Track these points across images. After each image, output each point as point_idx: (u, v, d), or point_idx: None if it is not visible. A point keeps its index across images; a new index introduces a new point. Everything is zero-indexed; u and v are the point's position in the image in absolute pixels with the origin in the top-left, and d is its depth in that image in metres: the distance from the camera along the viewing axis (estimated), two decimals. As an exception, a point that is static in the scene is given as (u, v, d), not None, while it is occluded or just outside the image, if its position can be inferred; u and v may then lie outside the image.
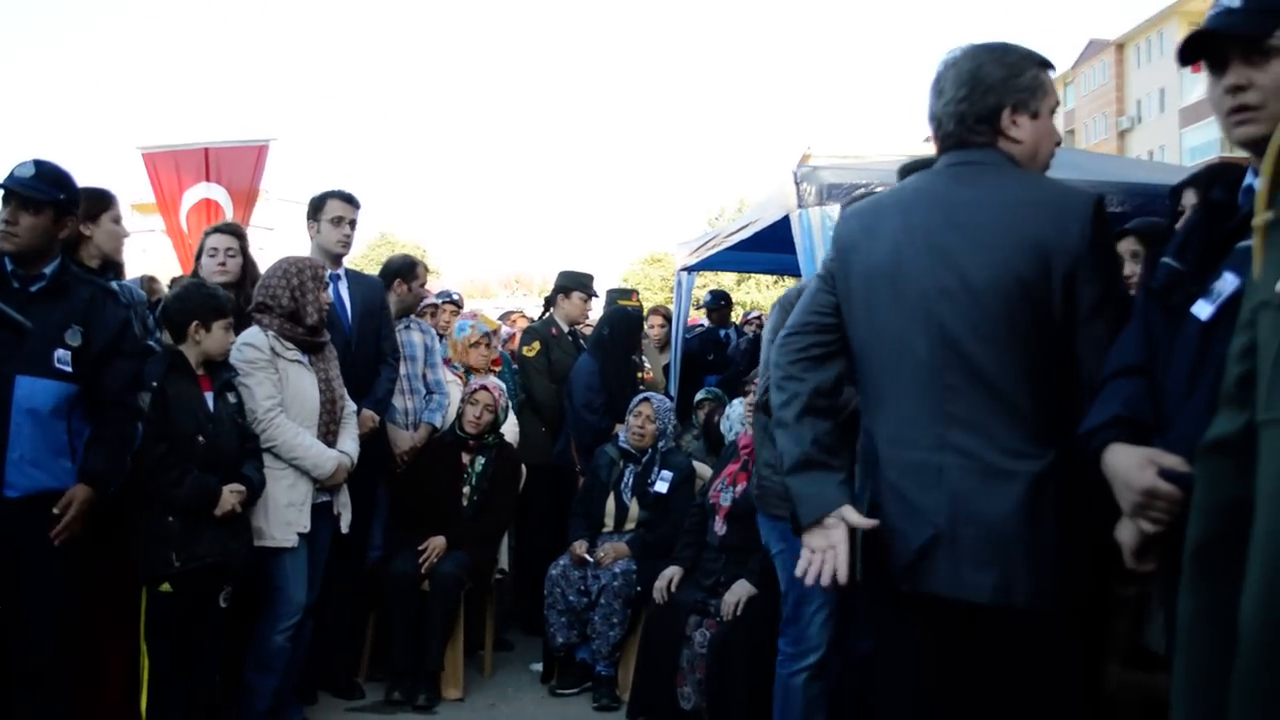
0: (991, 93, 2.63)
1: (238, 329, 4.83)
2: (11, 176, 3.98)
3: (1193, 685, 1.53)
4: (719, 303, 10.51)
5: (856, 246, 2.72)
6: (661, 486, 5.86)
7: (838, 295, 2.75)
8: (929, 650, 2.63)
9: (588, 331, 7.65)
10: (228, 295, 4.77)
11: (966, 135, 2.66)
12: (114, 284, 4.67)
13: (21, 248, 4.00)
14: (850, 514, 2.58)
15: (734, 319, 10.93)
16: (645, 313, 8.97)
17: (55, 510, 3.88)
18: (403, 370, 6.11)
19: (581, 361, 6.91)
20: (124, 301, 4.44)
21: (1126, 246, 3.86)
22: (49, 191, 4.03)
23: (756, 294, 34.85)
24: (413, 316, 6.38)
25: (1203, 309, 2.17)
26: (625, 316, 7.20)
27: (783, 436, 2.74)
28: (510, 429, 6.64)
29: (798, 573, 2.63)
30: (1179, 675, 1.56)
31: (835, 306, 2.75)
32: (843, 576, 2.55)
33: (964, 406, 2.53)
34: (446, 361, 6.67)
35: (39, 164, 4.03)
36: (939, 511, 2.52)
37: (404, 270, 6.37)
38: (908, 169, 3.48)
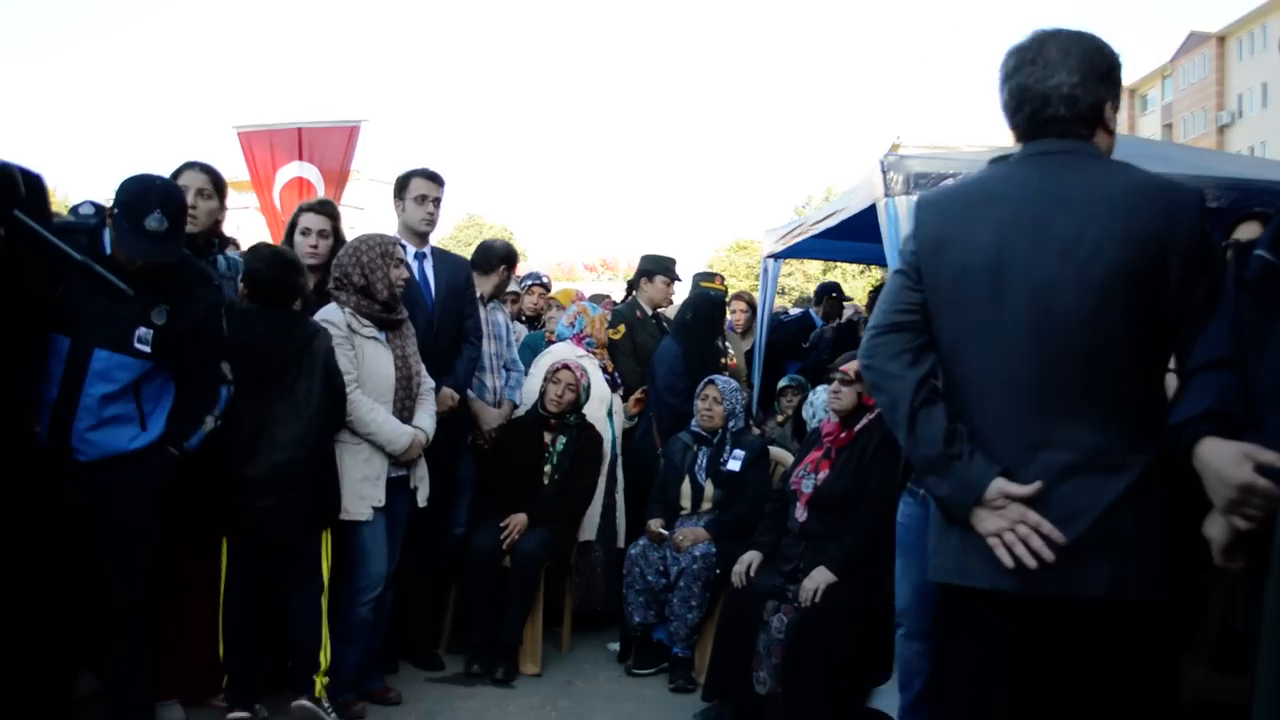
0: (1102, 84, 2.62)
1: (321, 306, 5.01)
2: (145, 236, 3.99)
3: (1274, 685, 1.52)
4: (831, 295, 10.51)
5: (948, 240, 2.63)
6: (734, 465, 5.88)
7: (924, 291, 2.67)
8: (1026, 650, 2.58)
9: (672, 315, 7.66)
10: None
11: (1073, 123, 2.61)
12: (219, 258, 4.81)
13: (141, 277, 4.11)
14: (1010, 486, 2.49)
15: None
16: (728, 298, 8.97)
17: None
18: (492, 349, 6.21)
19: (664, 345, 6.94)
20: (216, 283, 4.53)
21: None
22: (179, 242, 4.16)
23: (842, 283, 34.64)
24: (497, 299, 6.46)
25: None
26: (707, 300, 7.21)
27: (901, 436, 2.67)
28: (619, 414, 6.74)
29: (1006, 561, 2.50)
30: (1264, 666, 1.55)
31: (921, 304, 2.68)
32: (1047, 554, 2.44)
33: (1069, 400, 2.49)
34: (580, 339, 6.73)
35: (164, 210, 4.02)
36: (1042, 509, 2.48)
37: (508, 259, 6.50)
38: (1000, 160, 3.46)
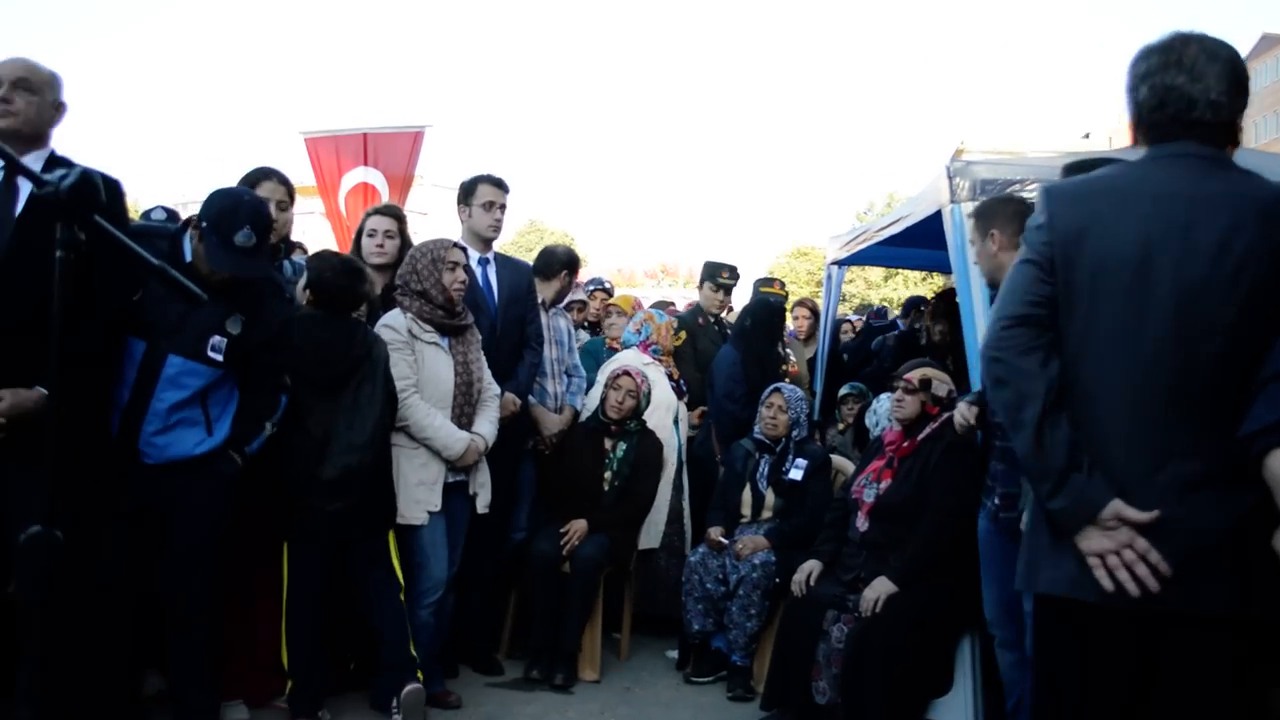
0: (1242, 96, 2.60)
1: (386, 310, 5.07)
2: (235, 250, 4.06)
3: None
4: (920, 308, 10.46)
5: (1088, 234, 2.53)
6: (796, 474, 5.85)
7: (1055, 284, 2.57)
8: (1132, 667, 2.51)
9: (733, 321, 7.65)
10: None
11: (1216, 130, 2.58)
12: (285, 265, 4.86)
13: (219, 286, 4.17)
14: (1127, 510, 2.42)
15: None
16: (790, 305, 8.94)
17: None
18: (553, 355, 6.24)
19: (724, 351, 6.93)
20: (289, 294, 4.59)
21: None
22: (266, 255, 4.27)
23: (904, 290, 34.43)
24: (558, 306, 6.48)
25: None
26: (766, 306, 7.20)
27: (1023, 439, 2.56)
28: (684, 421, 6.77)
29: (1106, 584, 2.45)
30: None
31: (1052, 297, 2.57)
32: (1152, 584, 2.39)
33: (1206, 408, 2.43)
34: (646, 346, 6.74)
35: (255, 227, 4.09)
36: (1168, 521, 2.40)
37: (570, 265, 6.55)
38: (1074, 167, 3.41)
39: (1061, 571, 2.54)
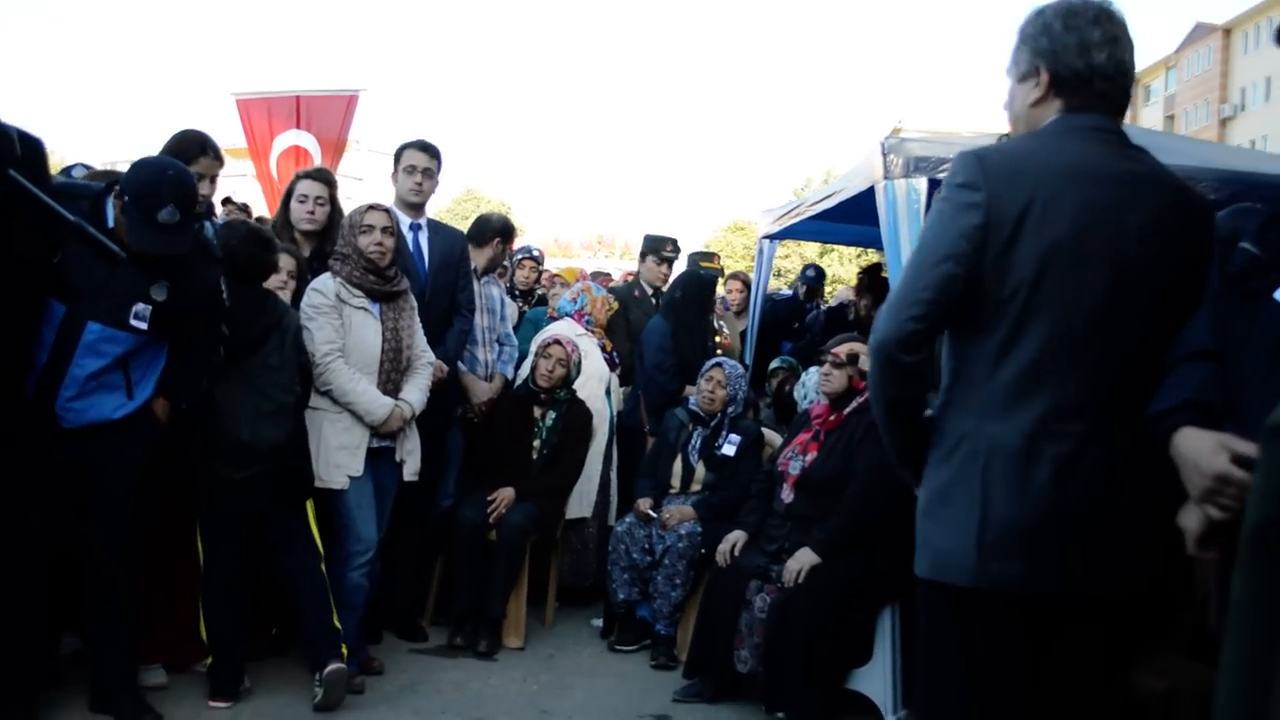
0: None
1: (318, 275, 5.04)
2: (157, 228, 3.94)
3: (1244, 663, 1.52)
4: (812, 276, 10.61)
5: (1029, 216, 2.37)
6: (729, 450, 5.87)
7: (970, 278, 2.40)
8: (1013, 650, 2.48)
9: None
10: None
11: (1123, 102, 2.57)
12: (207, 227, 4.78)
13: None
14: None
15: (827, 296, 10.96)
16: (724, 278, 8.96)
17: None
18: (485, 323, 6.22)
19: (654, 323, 6.94)
20: (217, 256, 4.51)
21: None
22: (190, 231, 4.12)
23: (838, 267, 34.60)
24: (491, 274, 6.45)
25: None
26: (697, 279, 7.22)
27: (893, 439, 2.63)
28: (617, 393, 6.78)
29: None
30: (1229, 654, 1.55)
31: (962, 293, 2.42)
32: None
33: (1123, 395, 2.41)
34: (579, 316, 6.72)
35: (178, 202, 3.96)
36: (1080, 503, 2.38)
37: (504, 233, 6.52)
38: None
39: (937, 555, 2.51)
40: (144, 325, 4.09)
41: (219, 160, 5.08)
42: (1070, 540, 2.39)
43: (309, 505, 4.71)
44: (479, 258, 6.27)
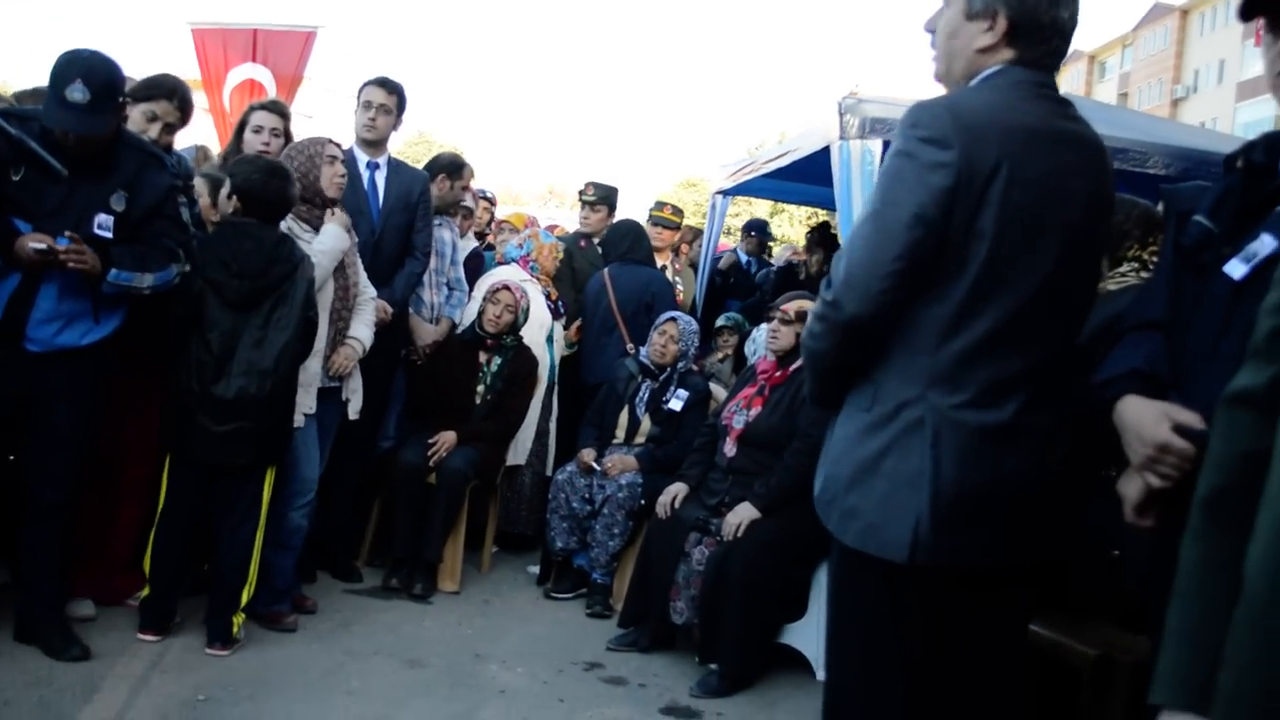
0: None
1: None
2: (67, 107, 3.87)
3: (1190, 631, 1.54)
4: (756, 232, 10.64)
5: (998, 176, 2.26)
6: (675, 404, 5.86)
7: (946, 235, 2.28)
8: (929, 619, 2.44)
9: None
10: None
11: (1060, 63, 2.50)
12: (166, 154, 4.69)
13: (83, 156, 4.02)
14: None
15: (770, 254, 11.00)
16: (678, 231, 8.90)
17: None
18: (434, 265, 6.15)
19: (595, 275, 6.93)
20: (171, 170, 4.44)
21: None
22: (106, 115, 4.00)
23: (789, 228, 34.64)
24: (445, 215, 6.37)
25: (1236, 268, 2.14)
26: (617, 229, 7.23)
27: (821, 389, 2.58)
28: (559, 341, 6.74)
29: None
30: (1176, 621, 1.57)
31: (925, 256, 2.29)
32: None
33: (1053, 363, 2.41)
34: (525, 261, 6.67)
35: (86, 81, 3.88)
36: (1021, 473, 2.36)
37: (450, 168, 6.41)
38: None
39: (870, 529, 2.40)
40: (109, 234, 4.05)
41: (183, 112, 4.96)
42: (1013, 511, 2.37)
43: (270, 472, 4.60)
44: None
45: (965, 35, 2.46)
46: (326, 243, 4.84)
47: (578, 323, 6.94)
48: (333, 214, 4.96)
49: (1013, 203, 2.27)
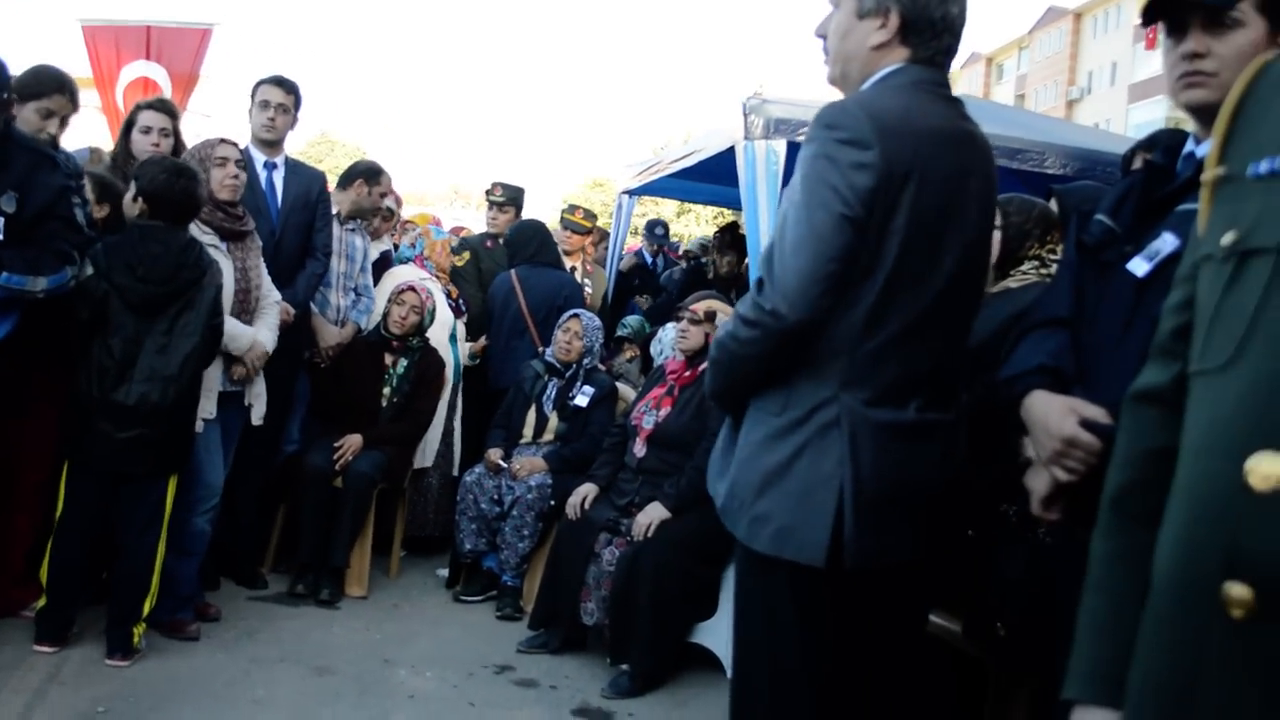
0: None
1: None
2: None
3: (1101, 625, 1.57)
4: (661, 235, 10.76)
5: (911, 179, 2.27)
6: (581, 400, 5.86)
7: (868, 234, 2.27)
8: (833, 619, 2.43)
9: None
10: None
11: (951, 56, 2.50)
12: (61, 154, 4.57)
13: None
14: None
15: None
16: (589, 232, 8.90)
17: None
18: (342, 268, 6.09)
19: (501, 276, 6.89)
20: (65, 170, 4.34)
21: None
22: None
23: (695, 227, 34.79)
24: (359, 221, 6.30)
25: (1139, 266, 2.19)
26: (519, 229, 7.22)
27: (728, 401, 2.59)
28: (462, 340, 6.70)
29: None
30: (1088, 616, 1.60)
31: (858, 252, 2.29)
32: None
33: (951, 360, 2.45)
34: (420, 260, 6.60)
35: None
36: (928, 471, 2.39)
37: (367, 174, 6.31)
38: None
39: (781, 532, 2.37)
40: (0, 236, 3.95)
41: (73, 103, 4.85)
42: (925, 507, 2.40)
43: (172, 482, 4.51)
44: (342, 201, 6.12)
45: (858, 35, 2.46)
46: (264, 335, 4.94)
47: (483, 339, 6.89)
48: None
49: (922, 204, 2.28)
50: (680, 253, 11.45)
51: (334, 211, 5.99)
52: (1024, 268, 3.64)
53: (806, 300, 2.28)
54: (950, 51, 2.47)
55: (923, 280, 2.34)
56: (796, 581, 2.38)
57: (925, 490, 2.39)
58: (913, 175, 2.27)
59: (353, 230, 6.20)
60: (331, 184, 6.21)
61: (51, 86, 4.73)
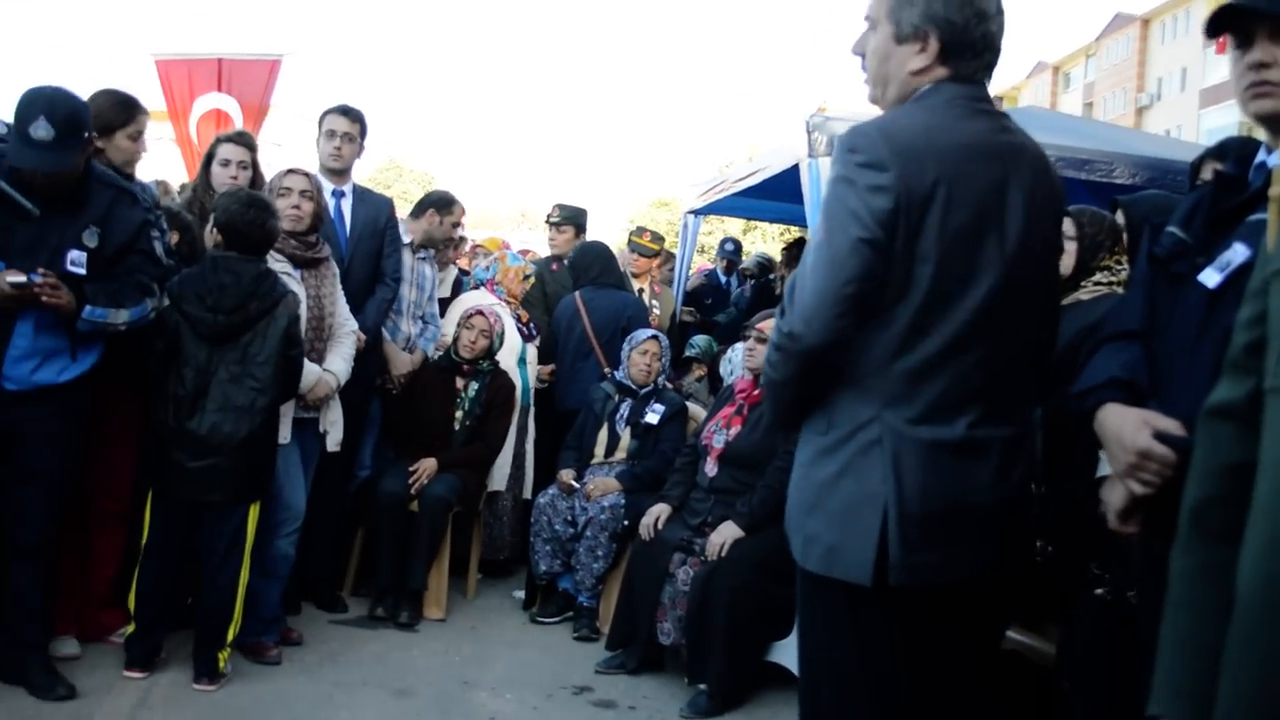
0: None
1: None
2: (31, 145, 3.86)
3: (1185, 642, 1.56)
4: (731, 250, 10.73)
5: (935, 199, 2.24)
6: (652, 418, 5.89)
7: (891, 258, 2.25)
8: (918, 635, 2.40)
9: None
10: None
11: (993, 69, 2.46)
12: (136, 185, 4.68)
13: (53, 194, 4.01)
14: None
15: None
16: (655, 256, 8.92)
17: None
18: (412, 297, 6.17)
19: (566, 299, 6.95)
20: (144, 204, 4.44)
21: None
22: (72, 152, 3.98)
23: (763, 244, 34.71)
24: (429, 250, 6.38)
25: (1210, 277, 2.17)
26: (583, 251, 7.26)
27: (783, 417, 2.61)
28: (532, 363, 6.77)
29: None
30: (1171, 631, 1.59)
31: (879, 278, 2.26)
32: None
33: (1006, 375, 2.37)
34: (490, 285, 6.66)
35: (50, 118, 3.87)
36: (982, 488, 2.32)
37: (439, 204, 6.39)
38: None
39: (830, 551, 2.36)
40: (82, 270, 4.04)
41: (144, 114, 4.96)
42: (976, 526, 2.33)
43: (254, 509, 4.55)
44: (415, 230, 6.22)
45: (898, 59, 2.44)
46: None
47: (551, 366, 6.94)
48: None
49: (952, 224, 2.25)
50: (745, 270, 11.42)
51: (406, 240, 6.08)
52: (1097, 278, 3.62)
53: (823, 322, 2.27)
54: (990, 66, 2.44)
55: (960, 297, 2.28)
56: (850, 600, 2.34)
57: (978, 507, 2.33)
58: (937, 194, 2.24)
59: (423, 259, 6.28)
60: (400, 210, 6.29)
61: (136, 109, 4.84)
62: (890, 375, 2.29)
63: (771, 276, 9.67)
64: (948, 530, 2.30)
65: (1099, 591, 3.11)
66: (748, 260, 10.24)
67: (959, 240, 2.26)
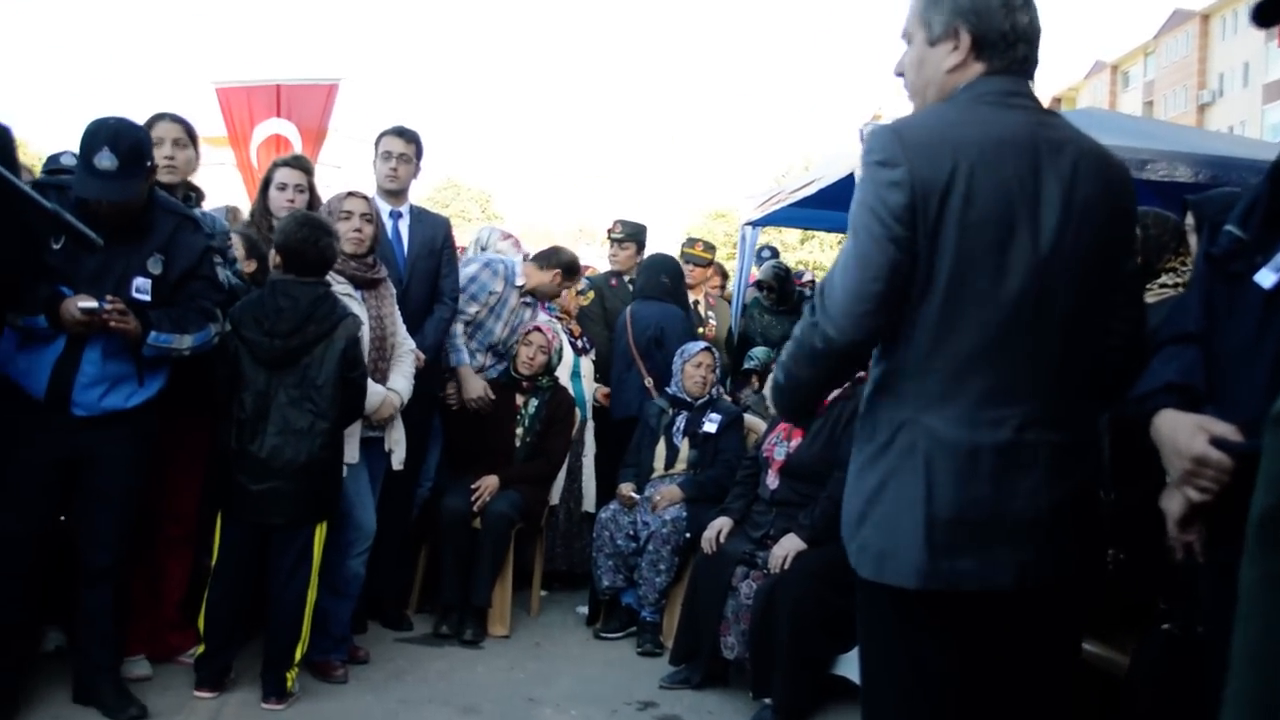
0: None
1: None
2: (96, 175, 3.93)
3: (1253, 654, 1.52)
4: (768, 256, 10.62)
5: (953, 191, 2.21)
6: (710, 427, 5.90)
7: (915, 252, 2.23)
8: (970, 643, 2.37)
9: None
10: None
11: (1034, 67, 2.43)
12: (197, 212, 4.75)
13: (118, 223, 4.07)
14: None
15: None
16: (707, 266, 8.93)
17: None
18: (501, 334, 6.21)
19: (623, 312, 6.97)
20: (206, 231, 4.52)
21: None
22: (136, 180, 4.05)
23: (819, 253, 34.64)
24: (534, 298, 6.42)
25: (1266, 278, 2.11)
26: (648, 264, 7.25)
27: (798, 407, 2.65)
28: (588, 378, 6.82)
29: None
30: (1241, 644, 1.55)
31: (904, 275, 2.25)
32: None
33: (1048, 375, 2.30)
34: (543, 304, 6.71)
35: (114, 148, 3.94)
36: (1024, 493, 2.26)
37: (568, 269, 6.45)
38: None
39: (879, 556, 2.34)
40: (147, 297, 4.13)
41: (178, 123, 5.07)
42: (1018, 532, 2.27)
43: (320, 530, 4.59)
44: (535, 278, 6.27)
45: (933, 62, 2.44)
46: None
47: (606, 390, 6.98)
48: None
49: (973, 216, 2.22)
50: (804, 280, 11.23)
51: (519, 282, 6.15)
52: (1161, 280, 3.58)
53: (852, 320, 2.27)
54: (1028, 60, 2.41)
55: (991, 293, 2.24)
56: (897, 605, 2.33)
57: (1019, 515, 2.27)
58: (955, 184, 2.22)
59: (527, 304, 6.34)
60: (457, 229, 6.33)
61: (151, 120, 4.95)
62: (926, 378, 2.28)
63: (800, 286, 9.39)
64: (981, 537, 2.26)
65: (1165, 626, 3.06)
66: (761, 270, 9.53)
67: (982, 231, 2.22)
